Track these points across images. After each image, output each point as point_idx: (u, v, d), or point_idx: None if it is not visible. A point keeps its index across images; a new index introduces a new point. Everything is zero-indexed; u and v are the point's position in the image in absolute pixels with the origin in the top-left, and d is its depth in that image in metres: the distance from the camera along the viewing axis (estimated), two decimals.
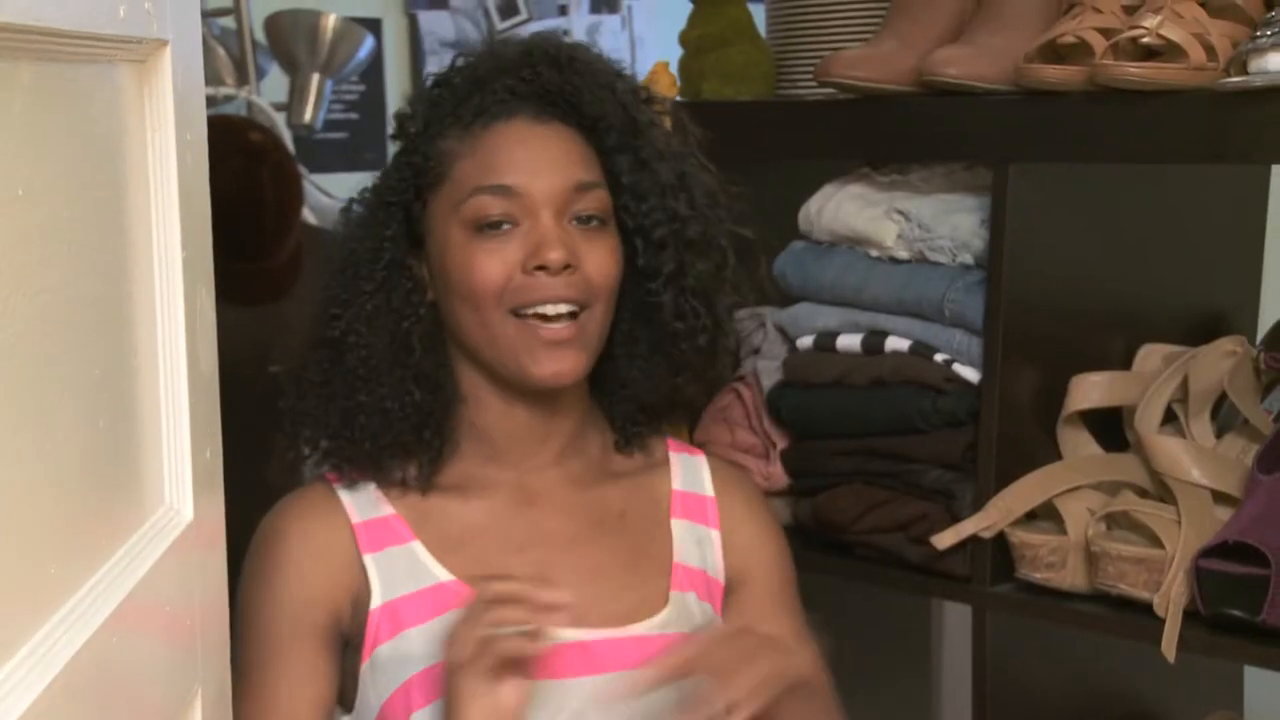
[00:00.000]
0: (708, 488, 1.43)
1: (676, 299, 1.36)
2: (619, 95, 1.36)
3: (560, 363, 1.29)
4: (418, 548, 1.32)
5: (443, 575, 1.31)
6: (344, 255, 1.36)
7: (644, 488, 1.41)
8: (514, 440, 1.36)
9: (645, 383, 1.39)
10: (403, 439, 1.33)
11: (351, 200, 1.39)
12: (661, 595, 1.35)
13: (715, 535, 1.41)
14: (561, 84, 1.33)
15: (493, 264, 1.29)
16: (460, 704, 1.19)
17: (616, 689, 1.24)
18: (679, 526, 1.40)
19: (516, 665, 1.19)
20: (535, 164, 1.31)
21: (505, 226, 1.30)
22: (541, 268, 1.28)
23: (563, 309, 1.29)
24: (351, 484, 1.35)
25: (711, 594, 1.39)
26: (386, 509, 1.34)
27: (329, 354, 1.34)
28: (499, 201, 1.30)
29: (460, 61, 1.38)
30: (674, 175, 1.36)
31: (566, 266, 1.28)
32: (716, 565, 1.40)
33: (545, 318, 1.29)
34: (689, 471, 1.43)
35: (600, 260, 1.31)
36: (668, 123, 1.42)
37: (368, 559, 1.31)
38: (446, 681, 1.21)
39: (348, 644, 1.33)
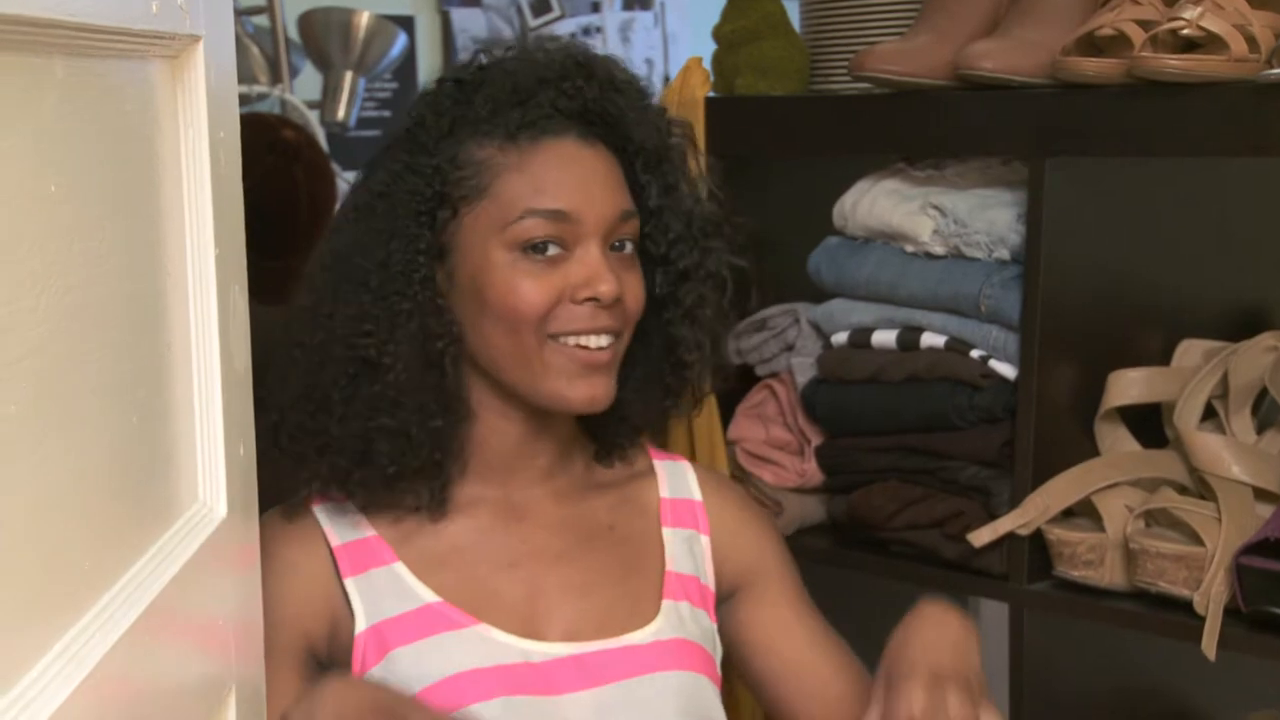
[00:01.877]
0: (695, 492, 1.41)
1: (692, 331, 1.34)
2: (651, 118, 1.33)
3: (596, 388, 1.27)
4: (400, 569, 1.29)
5: (428, 596, 1.28)
6: (372, 265, 1.27)
7: (631, 499, 1.39)
8: (503, 457, 1.33)
9: (638, 404, 1.36)
10: (420, 465, 1.28)
11: (355, 206, 1.30)
12: (653, 604, 1.33)
13: (705, 540, 1.38)
14: (605, 104, 1.29)
15: (538, 290, 1.25)
16: None
17: None
18: (670, 534, 1.37)
19: None
20: (589, 189, 1.27)
21: (551, 250, 1.26)
22: (592, 299, 1.26)
23: (604, 340, 1.27)
24: (334, 505, 1.31)
25: (705, 601, 1.37)
26: (367, 530, 1.30)
27: (354, 371, 1.27)
28: (552, 225, 1.26)
29: (484, 59, 1.33)
30: (693, 203, 1.35)
31: (617, 300, 1.27)
32: (708, 571, 1.38)
33: (585, 345, 1.27)
34: (675, 478, 1.41)
35: (635, 290, 1.30)
36: None
37: (349, 583, 1.28)
38: None
39: (329, 669, 1.29)
